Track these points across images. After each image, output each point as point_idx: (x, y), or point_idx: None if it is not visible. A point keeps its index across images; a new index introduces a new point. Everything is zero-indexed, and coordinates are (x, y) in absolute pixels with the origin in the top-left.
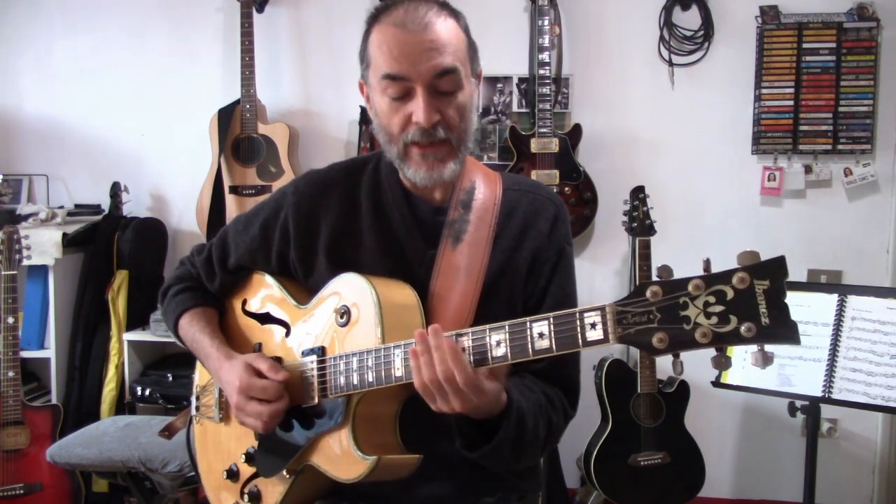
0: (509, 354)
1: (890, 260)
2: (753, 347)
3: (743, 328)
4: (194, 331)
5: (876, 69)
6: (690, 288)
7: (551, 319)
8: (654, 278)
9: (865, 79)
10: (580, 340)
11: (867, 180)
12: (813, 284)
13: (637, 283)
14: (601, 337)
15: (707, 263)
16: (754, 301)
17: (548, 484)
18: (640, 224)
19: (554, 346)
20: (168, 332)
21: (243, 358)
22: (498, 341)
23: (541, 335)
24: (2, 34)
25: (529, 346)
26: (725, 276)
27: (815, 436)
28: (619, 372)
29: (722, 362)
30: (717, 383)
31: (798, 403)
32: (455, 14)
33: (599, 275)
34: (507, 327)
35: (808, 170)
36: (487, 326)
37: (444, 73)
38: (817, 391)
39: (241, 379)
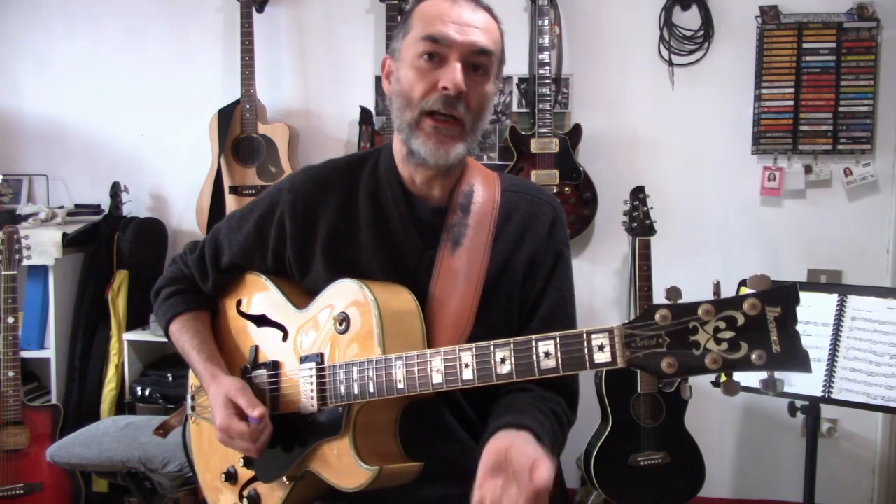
0: (514, 373)
1: (890, 260)
2: (763, 374)
3: (754, 356)
4: (183, 342)
5: (876, 69)
6: (700, 313)
7: (558, 339)
8: (663, 300)
9: (865, 79)
10: (587, 362)
11: (867, 180)
12: (813, 284)
13: (637, 283)
14: (609, 360)
15: (717, 287)
16: (765, 328)
17: None
18: (640, 224)
19: (560, 366)
20: None
21: (224, 390)
22: (503, 358)
23: (547, 355)
24: (2, 34)
25: (535, 365)
26: (736, 302)
27: (815, 436)
28: (619, 372)
29: (731, 387)
30: (717, 383)
31: (798, 403)
32: (498, 20)
33: (599, 275)
34: (511, 345)
35: (808, 170)
36: (492, 343)
37: (482, 53)
38: (817, 391)
39: (221, 418)
